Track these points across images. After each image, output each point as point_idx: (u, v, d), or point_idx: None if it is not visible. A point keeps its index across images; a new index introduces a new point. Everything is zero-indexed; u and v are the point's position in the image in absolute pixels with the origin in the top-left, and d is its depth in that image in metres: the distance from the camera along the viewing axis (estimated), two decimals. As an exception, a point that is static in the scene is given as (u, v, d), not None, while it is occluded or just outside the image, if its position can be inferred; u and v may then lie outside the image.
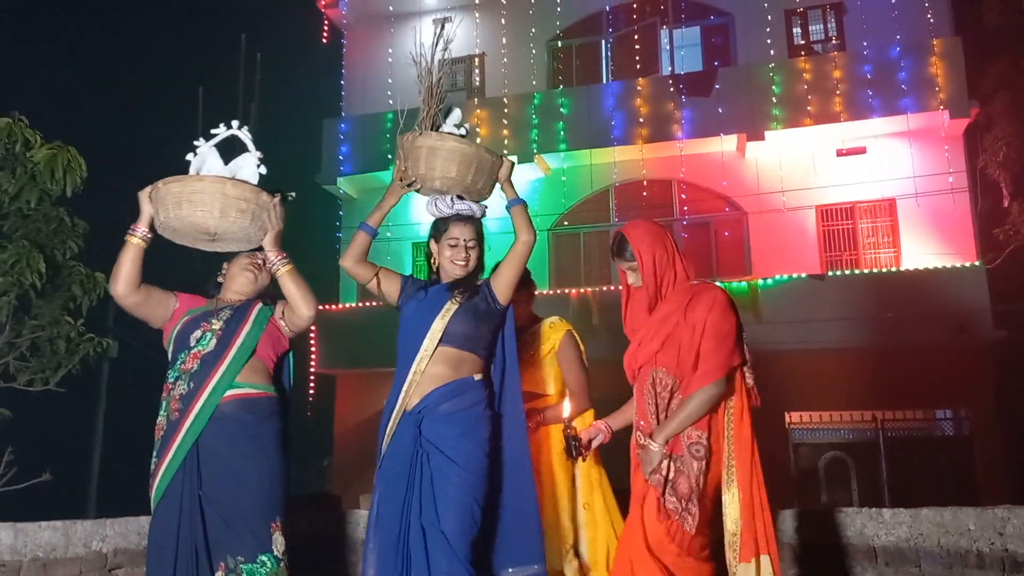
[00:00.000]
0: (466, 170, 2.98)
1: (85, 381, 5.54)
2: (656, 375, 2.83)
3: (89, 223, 4.94)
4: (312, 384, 14.13)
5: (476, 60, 14.59)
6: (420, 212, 14.11)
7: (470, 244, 3.09)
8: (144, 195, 2.95)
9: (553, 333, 3.47)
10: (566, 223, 13.77)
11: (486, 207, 3.19)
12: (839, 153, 12.67)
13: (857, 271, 12.03)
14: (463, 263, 3.07)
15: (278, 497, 2.90)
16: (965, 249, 11.87)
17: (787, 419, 12.07)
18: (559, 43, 14.38)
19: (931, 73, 12.08)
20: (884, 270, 11.95)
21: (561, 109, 13.49)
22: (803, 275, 11.96)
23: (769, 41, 13.14)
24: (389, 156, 13.91)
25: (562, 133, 13.41)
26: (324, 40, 15.29)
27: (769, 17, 13.20)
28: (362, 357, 13.19)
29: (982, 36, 12.55)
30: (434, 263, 3.17)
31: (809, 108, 12.38)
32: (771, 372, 11.57)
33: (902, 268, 11.92)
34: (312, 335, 13.76)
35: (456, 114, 3.14)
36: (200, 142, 2.97)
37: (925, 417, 11.78)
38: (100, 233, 5.01)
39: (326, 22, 15.27)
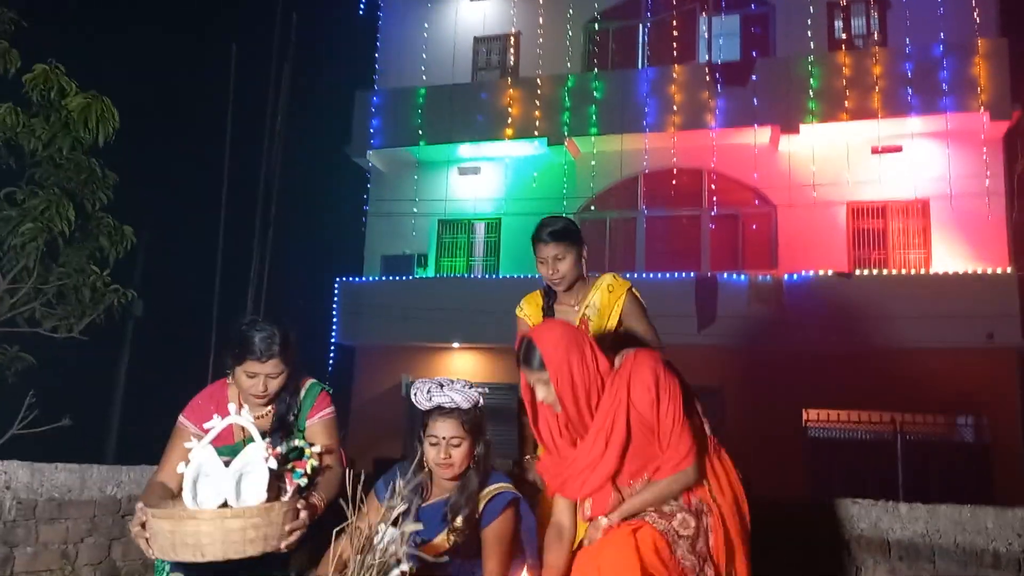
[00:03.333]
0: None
1: (109, 333, 5.59)
2: (626, 493, 2.52)
3: (119, 175, 4.97)
4: (332, 355, 14.20)
5: (511, 39, 14.51)
6: (447, 185, 14.16)
7: (453, 442, 2.71)
8: (139, 537, 2.39)
9: (614, 298, 3.19)
10: (593, 208, 13.70)
11: (481, 393, 2.82)
12: (874, 151, 12.48)
13: (885, 271, 11.87)
14: (447, 466, 2.71)
15: None
16: (998, 255, 11.68)
17: (804, 416, 11.99)
18: (596, 25, 14.25)
19: (974, 74, 11.86)
20: (913, 272, 11.79)
21: (594, 92, 13.39)
22: (830, 272, 11.84)
23: (810, 33, 12.94)
24: (420, 131, 13.90)
25: (594, 116, 13.32)
26: (361, 11, 15.26)
27: (811, 9, 13.00)
28: (382, 331, 13.26)
29: (1029, 39, 12.29)
30: (426, 462, 2.80)
31: (846, 103, 12.20)
32: (791, 368, 11.60)
33: (932, 271, 11.75)
34: (334, 307, 13.85)
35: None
36: (192, 442, 2.44)
37: (945, 422, 11.64)
38: (130, 185, 5.03)
39: (364, -7, 15.23)
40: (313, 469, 2.64)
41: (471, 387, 2.80)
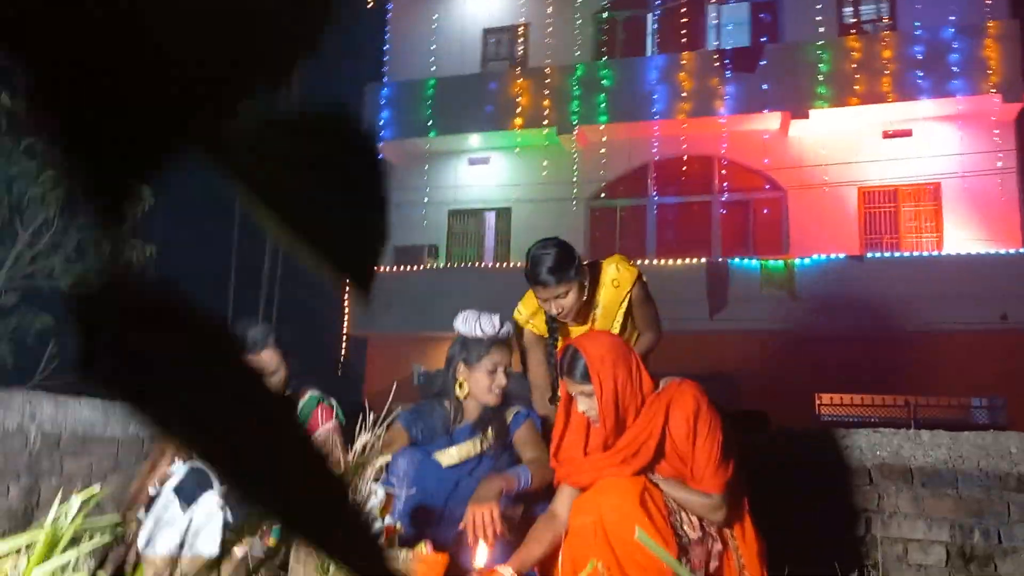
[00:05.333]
0: None
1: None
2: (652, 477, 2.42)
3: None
4: (344, 346, 14.23)
5: (520, 29, 14.56)
6: (457, 175, 14.19)
7: (508, 369, 2.86)
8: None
9: (620, 293, 3.02)
10: (603, 196, 13.71)
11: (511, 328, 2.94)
12: (885, 135, 12.47)
13: (897, 254, 11.84)
14: (500, 391, 2.83)
15: None
16: (1010, 236, 11.65)
17: (817, 401, 11.94)
18: (604, 14, 14.29)
19: (984, 56, 11.84)
20: (925, 254, 11.76)
21: (603, 81, 13.42)
22: (842, 256, 11.81)
23: (819, 19, 12.95)
24: (430, 123, 13.95)
25: (603, 105, 13.34)
26: (370, 4, 15.34)
27: (820, -5, 13.03)
28: (394, 321, 13.27)
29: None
30: (459, 388, 2.85)
31: (856, 88, 12.20)
32: (803, 352, 11.54)
33: (944, 252, 11.72)
34: (346, 297, 13.87)
35: None
36: (154, 489, 2.47)
37: (959, 404, 11.58)
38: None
39: (373, -14, 15.31)
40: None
41: None
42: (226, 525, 2.35)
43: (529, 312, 3.12)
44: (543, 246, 2.92)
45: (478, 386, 2.80)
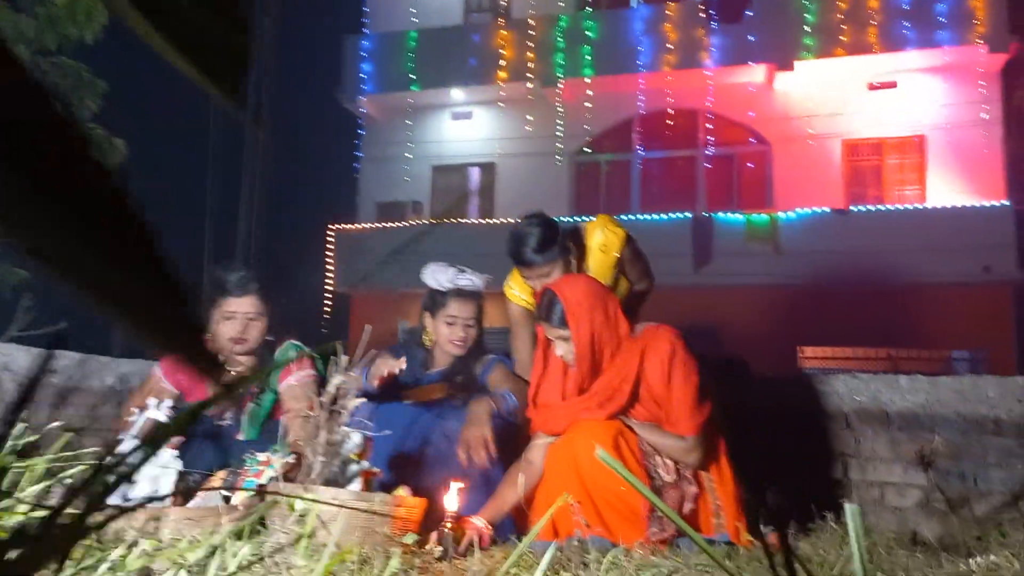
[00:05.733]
0: None
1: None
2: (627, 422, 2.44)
3: (108, 83, 4.85)
4: (328, 303, 14.16)
5: (503, -20, 14.31)
6: (440, 130, 14.03)
7: (469, 323, 2.87)
8: None
9: (609, 259, 2.95)
10: (587, 150, 13.60)
11: (490, 278, 2.98)
12: (870, 87, 12.40)
13: (881, 207, 11.84)
14: (460, 343, 2.87)
15: None
16: (994, 188, 11.66)
17: (800, 354, 12.03)
18: (589, -35, 14.04)
19: (971, 6, 11.73)
20: (909, 207, 11.76)
21: (588, 33, 13.24)
22: (826, 209, 11.80)
23: (806, -31, 12.78)
24: (412, 76, 13.75)
25: (588, 58, 13.17)
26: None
27: (807, -56, 12.82)
28: (378, 278, 13.20)
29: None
30: (427, 338, 2.96)
31: (842, 39, 12.09)
32: (788, 306, 11.56)
33: (928, 205, 11.73)
34: (329, 254, 13.79)
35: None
36: (123, 435, 2.40)
37: (941, 357, 11.69)
38: (120, 95, 4.94)
39: (352, -63, 14.97)
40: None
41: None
42: (182, 475, 2.34)
43: (518, 287, 3.08)
44: (526, 224, 2.87)
45: (439, 336, 2.89)
